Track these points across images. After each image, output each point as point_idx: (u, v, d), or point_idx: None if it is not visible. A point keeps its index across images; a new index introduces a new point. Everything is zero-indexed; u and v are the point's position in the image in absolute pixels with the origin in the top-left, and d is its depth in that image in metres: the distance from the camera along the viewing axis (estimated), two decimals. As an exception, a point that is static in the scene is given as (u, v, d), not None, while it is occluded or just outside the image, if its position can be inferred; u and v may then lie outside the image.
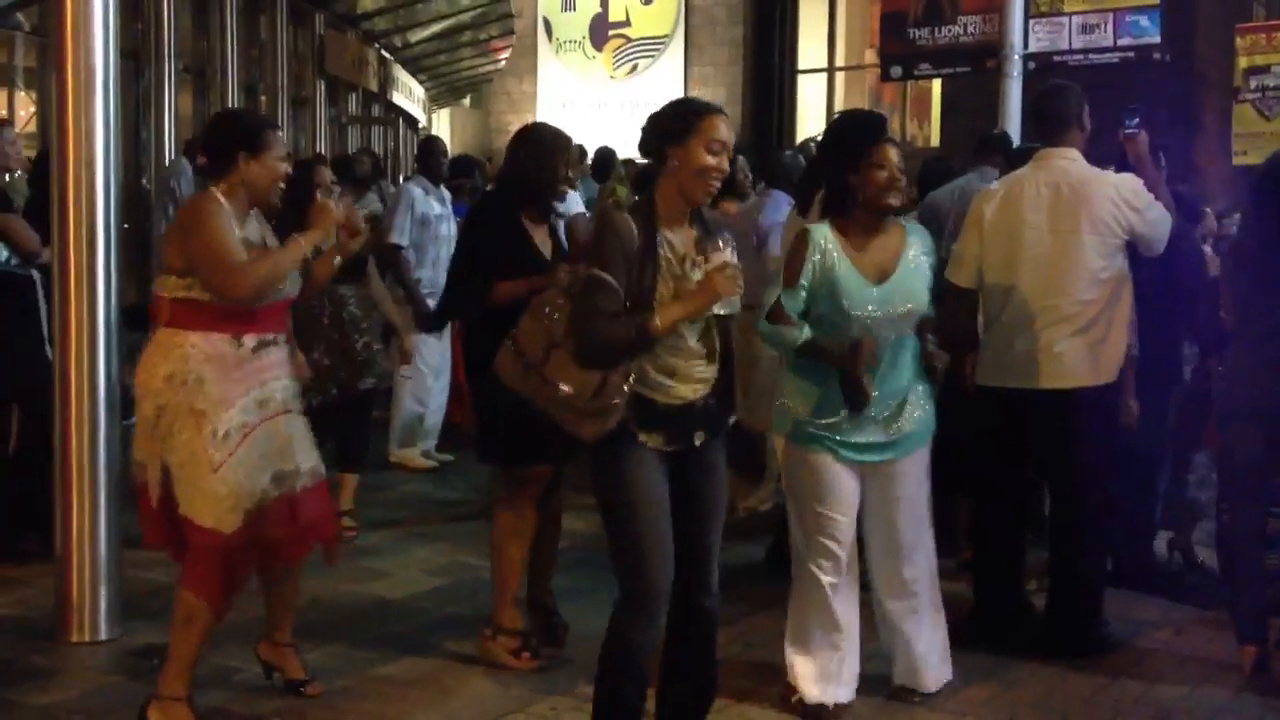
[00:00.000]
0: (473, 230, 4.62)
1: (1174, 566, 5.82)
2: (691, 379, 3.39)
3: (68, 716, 3.97)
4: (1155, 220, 4.63)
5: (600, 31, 20.63)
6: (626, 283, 3.29)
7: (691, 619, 3.51)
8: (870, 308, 3.89)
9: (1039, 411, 4.62)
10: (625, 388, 3.27)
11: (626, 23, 20.47)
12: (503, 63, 20.65)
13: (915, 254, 4.03)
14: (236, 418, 3.70)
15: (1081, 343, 4.56)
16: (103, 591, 4.61)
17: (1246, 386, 4.60)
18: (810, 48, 19.43)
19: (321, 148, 14.67)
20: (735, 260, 3.40)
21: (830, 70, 19.28)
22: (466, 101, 23.31)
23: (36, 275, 5.57)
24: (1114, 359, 4.63)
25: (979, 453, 4.85)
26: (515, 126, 15.84)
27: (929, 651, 4.22)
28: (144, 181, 11.27)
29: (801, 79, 19.44)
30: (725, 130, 3.35)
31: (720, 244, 3.41)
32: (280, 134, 3.91)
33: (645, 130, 3.44)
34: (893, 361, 3.97)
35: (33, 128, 10.89)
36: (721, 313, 3.42)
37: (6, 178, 6.03)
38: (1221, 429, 4.76)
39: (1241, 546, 4.72)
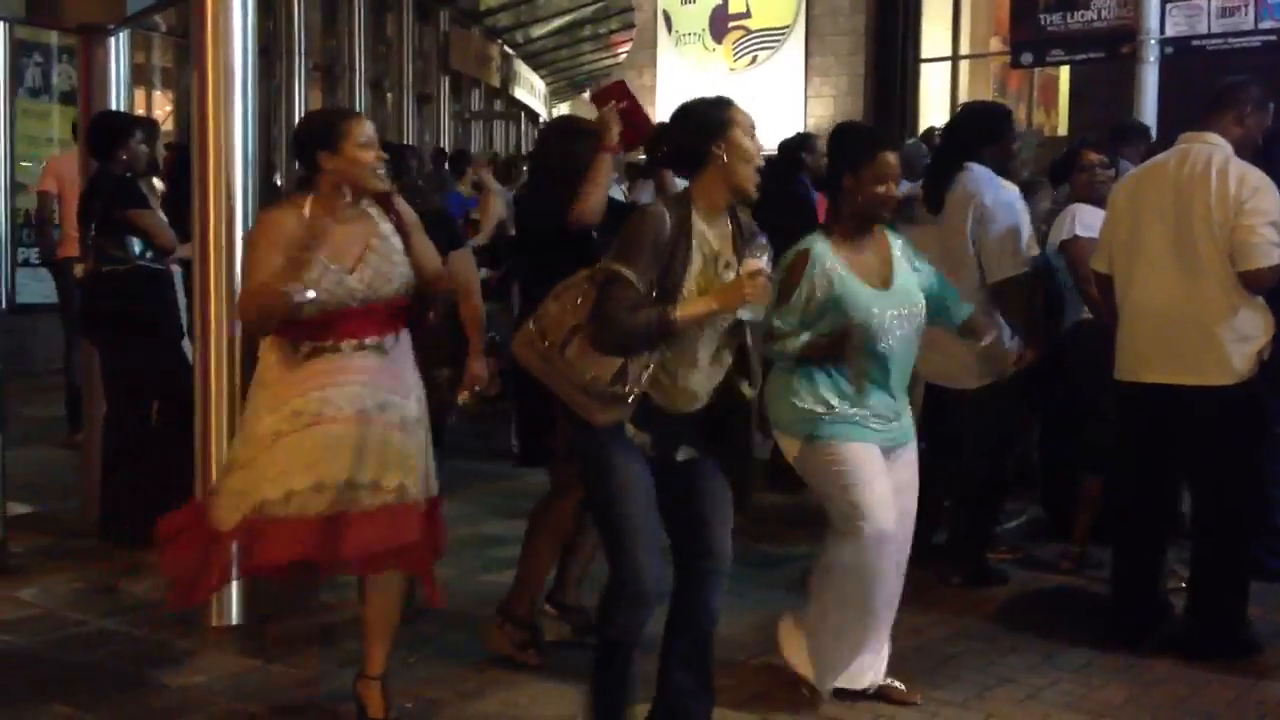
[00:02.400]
0: None
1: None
2: (689, 391, 3.39)
3: (210, 698, 4.08)
4: (1249, 226, 4.35)
5: (720, 23, 20.57)
6: (656, 272, 3.30)
7: (700, 615, 3.51)
8: (878, 312, 3.84)
9: (1182, 408, 4.49)
10: (644, 377, 3.29)
11: (747, 14, 20.38)
12: (623, 56, 20.72)
13: (902, 256, 4.01)
14: (274, 425, 3.55)
15: (1212, 336, 4.42)
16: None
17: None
18: (934, 36, 19.12)
19: (445, 143, 14.87)
20: (769, 269, 3.35)
21: (954, 59, 18.95)
22: (586, 95, 23.44)
23: (177, 270, 5.73)
24: (1255, 352, 4.46)
25: (1119, 447, 4.77)
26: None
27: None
28: (276, 178, 11.53)
29: (925, 68, 19.14)
30: (750, 118, 3.41)
31: (757, 249, 3.37)
32: (358, 122, 3.64)
33: (683, 130, 3.43)
34: (903, 363, 3.95)
35: (169, 126, 11.20)
36: (745, 317, 3.38)
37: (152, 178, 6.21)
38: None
39: None
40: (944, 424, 5.41)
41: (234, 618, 4.72)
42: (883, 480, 3.87)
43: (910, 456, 4.07)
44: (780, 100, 19.20)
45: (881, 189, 3.87)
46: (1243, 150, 4.54)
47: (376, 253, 3.60)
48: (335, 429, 3.51)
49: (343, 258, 3.54)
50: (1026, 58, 11.37)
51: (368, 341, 3.59)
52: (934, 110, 18.82)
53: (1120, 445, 4.82)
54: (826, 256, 3.88)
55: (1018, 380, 5.26)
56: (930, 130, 10.36)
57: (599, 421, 3.32)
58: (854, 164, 3.89)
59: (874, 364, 3.86)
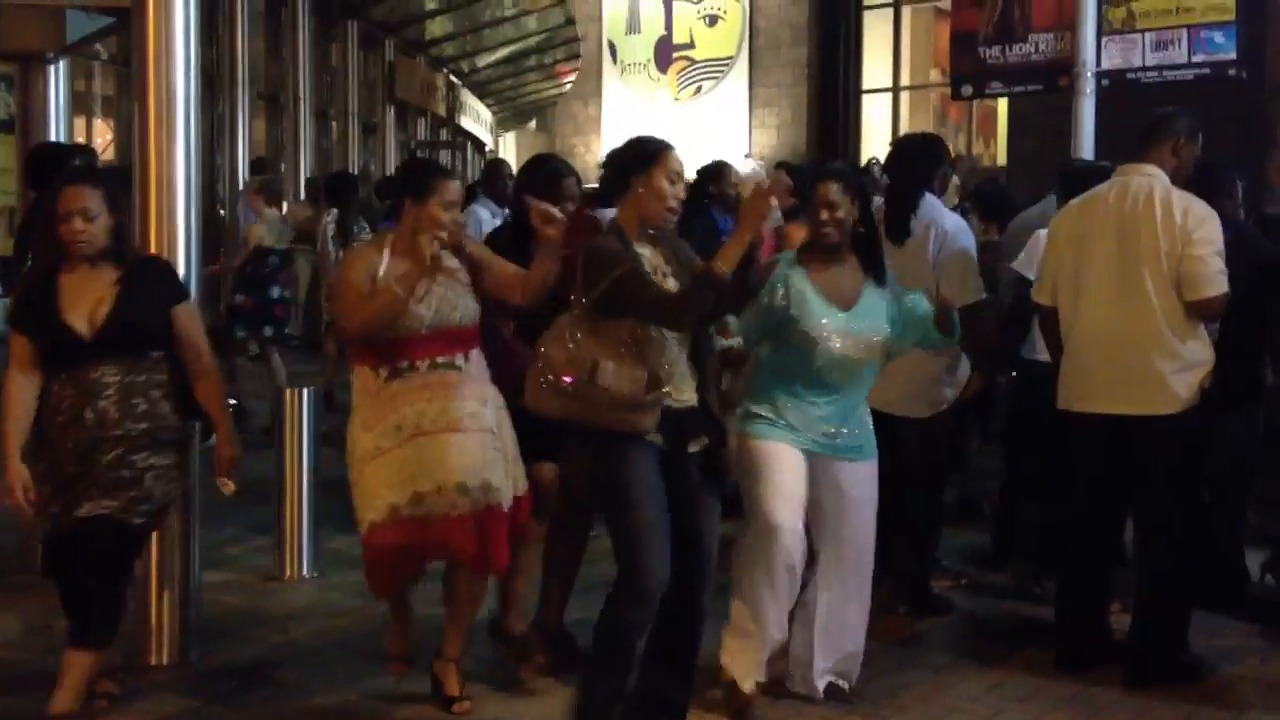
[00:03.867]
0: None
1: (1261, 590, 5.65)
2: (685, 387, 3.73)
3: (148, 738, 4.01)
4: (1198, 256, 4.44)
5: (665, 54, 20.67)
6: None
7: (688, 612, 3.77)
8: (835, 333, 4.11)
9: (1127, 437, 4.54)
10: (668, 376, 3.60)
11: (691, 45, 20.50)
12: (568, 86, 20.76)
13: (873, 286, 4.25)
14: (373, 441, 4.00)
15: (1158, 366, 4.46)
16: (182, 615, 4.63)
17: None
18: (875, 68, 19.33)
19: (391, 172, 14.81)
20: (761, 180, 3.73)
21: (895, 90, 19.16)
22: (532, 125, 23.49)
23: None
24: (1198, 381, 4.51)
25: (1061, 478, 4.82)
26: (580, 150, 15.94)
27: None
28: (218, 208, 11.43)
29: (866, 99, 19.34)
30: (679, 164, 3.73)
31: (687, 251, 3.85)
32: (448, 182, 4.11)
33: (609, 164, 3.82)
34: (854, 381, 4.20)
35: (110, 155, 11.08)
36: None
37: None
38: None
39: None
40: (891, 452, 5.43)
41: (181, 656, 4.64)
42: (791, 480, 4.11)
43: (865, 473, 4.26)
44: (725, 130, 19.33)
45: (825, 215, 4.18)
46: (1176, 180, 4.62)
47: (443, 285, 4.04)
48: (439, 439, 3.95)
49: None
50: (966, 89, 11.53)
51: (439, 360, 4.03)
52: (876, 140, 19.02)
53: (1063, 474, 4.85)
54: (793, 269, 4.17)
55: (962, 408, 5.30)
56: (871, 161, 10.51)
57: (646, 426, 3.59)
58: (805, 198, 4.07)
59: (810, 378, 4.12)
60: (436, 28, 16.06)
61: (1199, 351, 4.52)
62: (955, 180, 6.44)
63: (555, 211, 3.99)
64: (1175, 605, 4.63)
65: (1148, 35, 9.79)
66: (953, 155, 7.53)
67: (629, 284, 3.57)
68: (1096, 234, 4.59)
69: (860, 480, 4.25)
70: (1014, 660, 4.78)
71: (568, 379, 3.56)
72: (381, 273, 4.00)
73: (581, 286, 3.65)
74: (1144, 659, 4.58)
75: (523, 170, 5.02)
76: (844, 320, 4.13)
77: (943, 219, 5.15)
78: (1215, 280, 4.43)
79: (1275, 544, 5.63)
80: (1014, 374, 5.37)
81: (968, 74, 11.22)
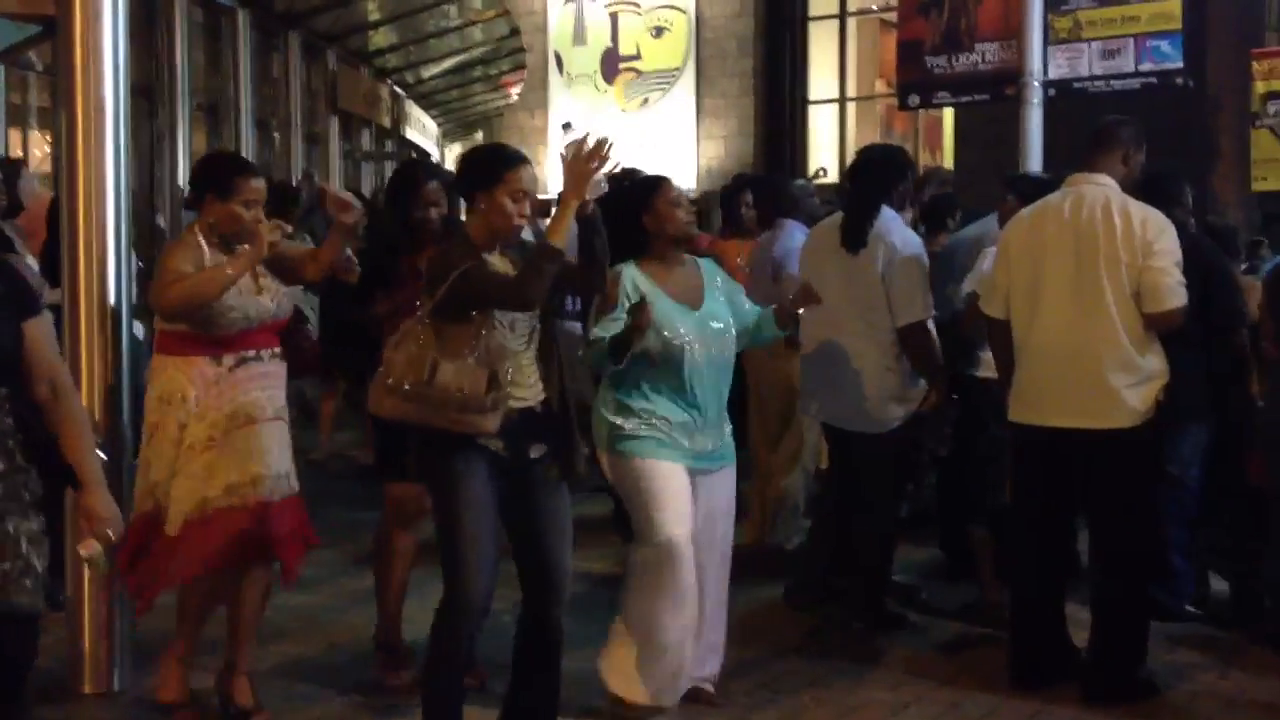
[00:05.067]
0: None
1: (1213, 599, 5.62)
2: (524, 383, 3.66)
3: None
4: (1159, 268, 4.39)
5: (611, 65, 20.59)
6: None
7: (541, 630, 3.76)
8: (685, 331, 4.12)
9: (1082, 451, 4.48)
10: (509, 379, 3.56)
11: (637, 56, 20.43)
12: (514, 97, 20.63)
13: (711, 281, 4.30)
14: (205, 431, 4.03)
15: (1116, 379, 4.41)
16: (115, 642, 4.49)
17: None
18: (821, 79, 19.40)
19: (337, 184, 14.62)
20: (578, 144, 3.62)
21: (841, 101, 19.22)
22: (479, 136, 23.31)
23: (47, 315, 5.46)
24: (1154, 394, 4.46)
25: (1015, 491, 4.76)
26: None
27: None
28: (159, 220, 11.20)
29: (813, 109, 19.39)
30: (529, 180, 3.68)
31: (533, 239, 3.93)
32: (251, 180, 4.15)
33: (459, 173, 3.83)
34: (715, 384, 4.21)
35: (47, 167, 10.85)
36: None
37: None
38: (1269, 463, 4.63)
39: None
40: (844, 468, 5.36)
41: (114, 684, 4.50)
42: (683, 499, 4.11)
43: (727, 479, 4.32)
44: (672, 141, 19.29)
45: (680, 213, 4.24)
46: (1125, 188, 4.58)
47: (270, 278, 4.17)
48: (262, 427, 4.11)
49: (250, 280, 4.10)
50: (913, 99, 11.49)
51: (273, 351, 4.21)
52: (822, 151, 19.08)
53: (1014, 488, 4.79)
54: (636, 276, 4.16)
55: (915, 423, 5.23)
56: (818, 170, 10.49)
57: (488, 428, 3.53)
58: (648, 205, 4.21)
59: (678, 381, 4.11)
60: (380, 38, 15.85)
61: (1155, 364, 4.47)
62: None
63: (351, 199, 4.24)
64: (1133, 621, 4.57)
65: (1094, 44, 9.80)
66: (920, 169, 7.54)
67: (471, 277, 3.54)
68: (1052, 245, 4.52)
69: (724, 486, 4.32)
70: (971, 678, 4.71)
71: (408, 381, 3.53)
72: (207, 263, 4.04)
73: (427, 292, 3.63)
74: (1102, 674, 4.52)
75: (390, 179, 5.15)
76: (698, 320, 4.17)
77: (890, 233, 5.08)
78: (1176, 291, 4.38)
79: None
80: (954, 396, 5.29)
81: (914, 83, 11.17)
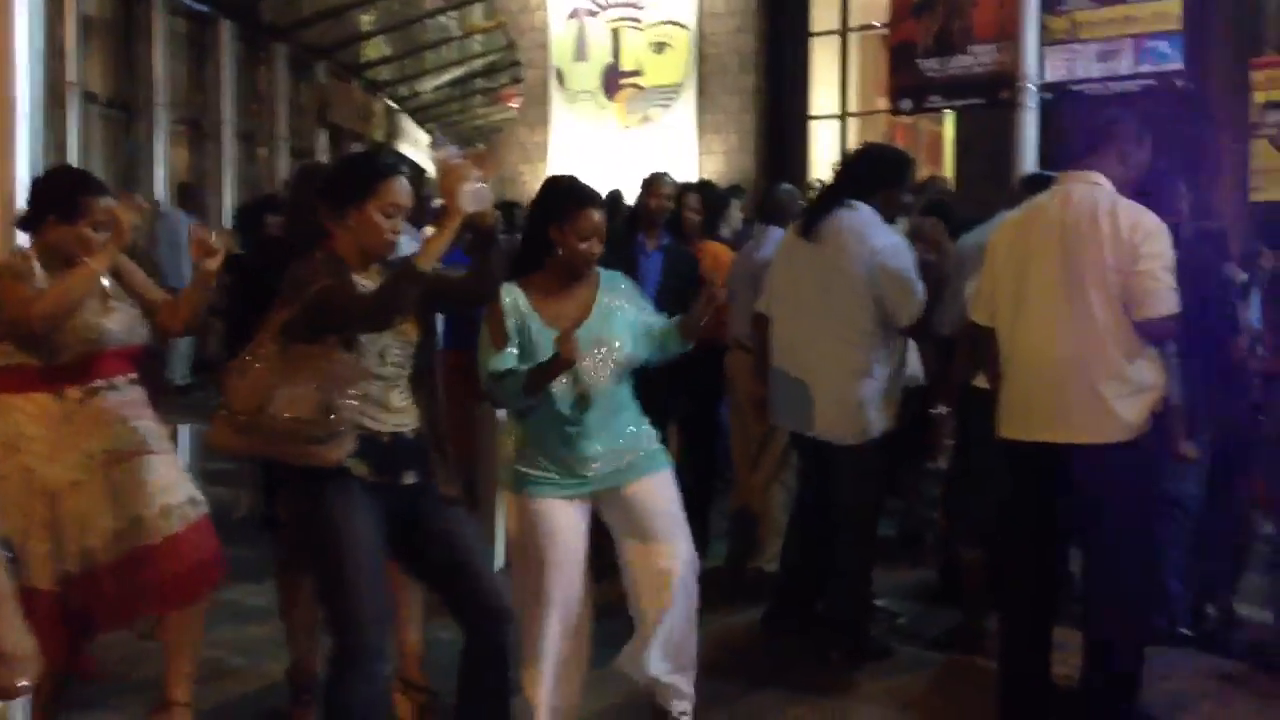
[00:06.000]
0: None
1: (1211, 624, 5.35)
2: (391, 407, 3.42)
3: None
4: (1147, 272, 4.08)
5: (612, 81, 20.40)
6: None
7: (481, 629, 3.50)
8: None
9: (1073, 466, 4.16)
10: (350, 405, 3.27)
11: (639, 72, 20.24)
12: (514, 113, 20.47)
13: (609, 300, 3.98)
14: (65, 474, 3.69)
15: (1105, 390, 4.10)
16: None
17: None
18: (822, 94, 19.18)
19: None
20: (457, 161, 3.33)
21: (843, 116, 18.99)
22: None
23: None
24: (1147, 406, 4.15)
25: (1004, 511, 4.45)
26: (527, 177, 15.59)
27: None
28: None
29: (814, 125, 19.17)
30: (403, 195, 3.40)
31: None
32: (99, 201, 3.81)
33: (331, 182, 3.52)
34: (608, 412, 3.92)
35: None
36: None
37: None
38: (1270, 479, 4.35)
39: None
40: (823, 482, 5.08)
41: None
42: (565, 546, 3.87)
43: (661, 483, 4.00)
44: (674, 157, 19.07)
45: (584, 245, 3.88)
46: (1124, 189, 4.28)
47: (120, 301, 3.88)
48: (143, 461, 3.77)
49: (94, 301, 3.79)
50: (906, 104, 11.23)
51: (119, 379, 3.85)
52: (824, 166, 18.84)
53: (1003, 507, 4.50)
54: (518, 300, 3.89)
55: (895, 437, 4.96)
56: (813, 180, 10.27)
57: (331, 459, 3.26)
58: (560, 218, 3.88)
59: (563, 413, 3.85)
60: (373, 50, 15.71)
61: (1148, 374, 4.15)
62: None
63: (213, 242, 3.80)
64: (1128, 644, 4.26)
65: (1091, 46, 9.52)
66: (918, 178, 7.31)
67: (330, 295, 3.25)
68: (1039, 248, 4.23)
69: (657, 493, 4.00)
70: (957, 712, 4.46)
71: (242, 411, 3.27)
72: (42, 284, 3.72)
73: (279, 308, 3.37)
74: (1094, 706, 4.22)
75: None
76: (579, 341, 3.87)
77: (874, 236, 4.81)
78: (1166, 298, 4.07)
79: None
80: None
81: (907, 88, 10.92)
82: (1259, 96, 13.00)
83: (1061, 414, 4.16)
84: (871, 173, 5.01)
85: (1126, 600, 4.24)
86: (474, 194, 3.24)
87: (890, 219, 5.02)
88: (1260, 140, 12.92)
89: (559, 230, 3.88)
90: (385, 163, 3.45)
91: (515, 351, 3.84)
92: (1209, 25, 11.30)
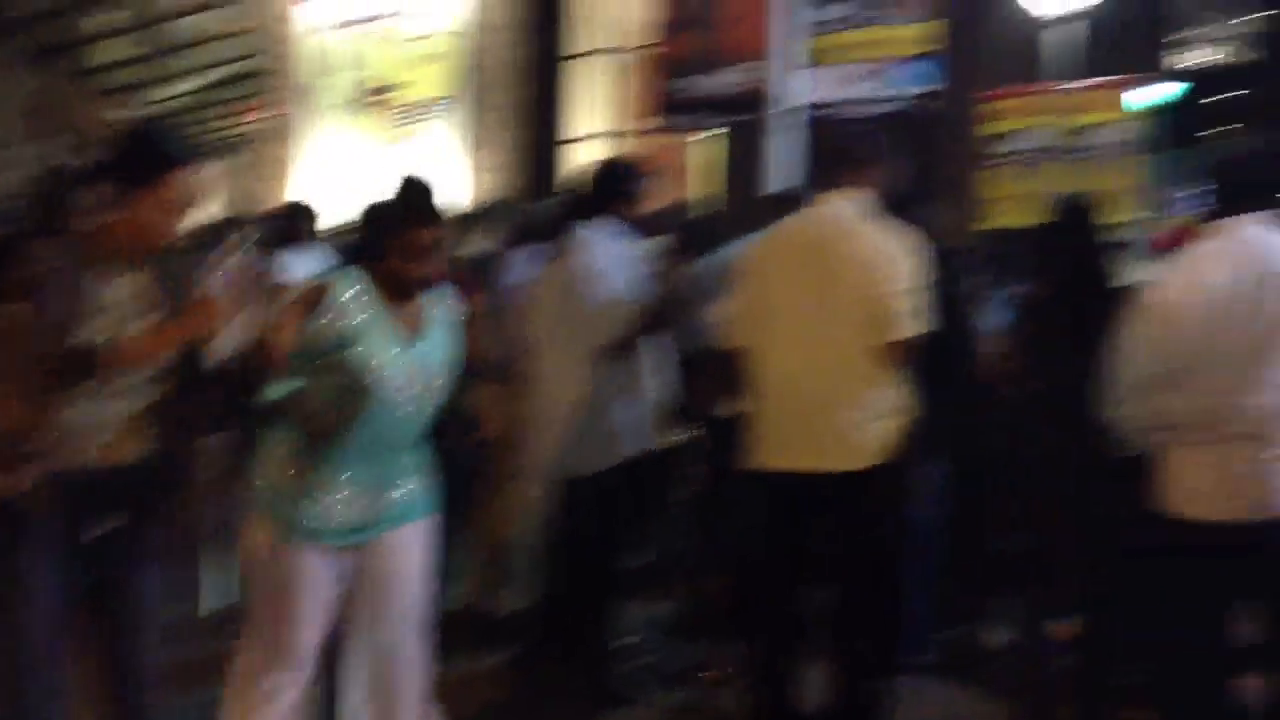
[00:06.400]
0: None
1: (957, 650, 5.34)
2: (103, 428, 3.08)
3: None
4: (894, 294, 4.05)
5: (370, 94, 19.86)
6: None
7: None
8: (391, 371, 3.52)
9: (820, 495, 4.09)
10: (54, 433, 2.91)
11: (397, 86, 19.73)
12: (261, 124, 19.69)
13: (440, 318, 3.73)
14: None
15: (850, 415, 4.03)
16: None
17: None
18: (585, 114, 19.12)
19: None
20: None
21: (605, 136, 18.96)
22: (220, 165, 22.20)
23: None
24: (893, 431, 4.08)
25: (748, 541, 4.37)
26: (275, 191, 14.87)
27: None
28: None
29: (584, 145, 19.08)
30: (190, 190, 3.20)
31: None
32: None
33: (120, 152, 3.19)
34: (404, 434, 3.63)
35: None
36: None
37: None
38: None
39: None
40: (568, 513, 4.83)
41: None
42: (314, 601, 3.50)
43: (416, 534, 3.70)
44: (439, 174, 18.67)
45: (413, 265, 3.58)
46: (876, 210, 4.21)
47: None
48: None
49: None
50: (663, 121, 11.20)
51: None
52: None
53: (746, 539, 4.37)
54: (362, 287, 3.54)
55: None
56: (568, 188, 10.11)
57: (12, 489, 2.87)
58: (389, 230, 3.58)
59: (364, 430, 3.48)
60: (107, 53, 14.84)
61: (895, 399, 4.09)
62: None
63: None
64: (877, 675, 4.22)
65: (847, 67, 9.64)
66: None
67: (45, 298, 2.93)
68: (790, 269, 4.14)
69: (410, 544, 3.69)
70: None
71: None
72: None
73: None
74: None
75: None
76: (406, 357, 3.58)
77: (595, 254, 4.62)
78: (910, 321, 4.02)
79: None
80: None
81: (667, 103, 10.88)
82: (992, 127, 13.60)
83: (812, 441, 4.07)
84: (602, 187, 4.83)
85: (875, 628, 4.20)
86: (228, 340, 3.04)
87: (641, 233, 4.81)
88: (993, 168, 13.53)
89: (389, 242, 3.59)
90: (182, 150, 3.16)
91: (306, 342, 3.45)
92: (948, 53, 11.70)
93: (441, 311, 3.74)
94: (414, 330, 3.63)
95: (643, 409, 4.71)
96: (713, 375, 4.58)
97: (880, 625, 4.24)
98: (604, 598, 4.79)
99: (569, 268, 4.68)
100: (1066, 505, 4.30)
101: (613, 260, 4.63)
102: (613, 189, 4.77)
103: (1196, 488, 3.80)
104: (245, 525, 3.57)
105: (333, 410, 3.41)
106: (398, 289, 3.61)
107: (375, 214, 3.75)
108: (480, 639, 5.19)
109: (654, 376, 4.91)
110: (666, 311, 4.78)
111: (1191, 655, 3.87)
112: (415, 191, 3.64)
